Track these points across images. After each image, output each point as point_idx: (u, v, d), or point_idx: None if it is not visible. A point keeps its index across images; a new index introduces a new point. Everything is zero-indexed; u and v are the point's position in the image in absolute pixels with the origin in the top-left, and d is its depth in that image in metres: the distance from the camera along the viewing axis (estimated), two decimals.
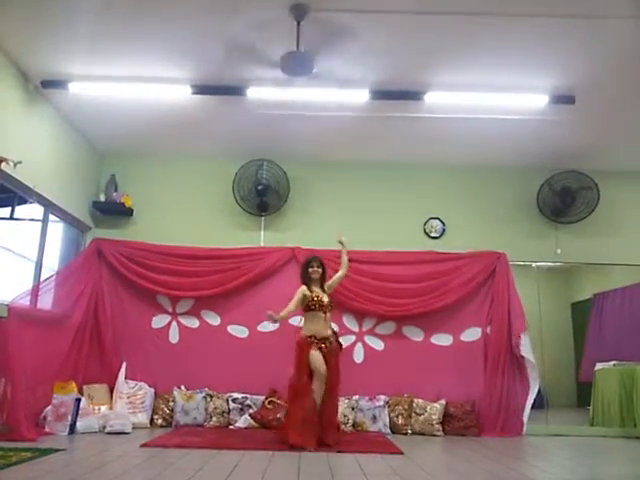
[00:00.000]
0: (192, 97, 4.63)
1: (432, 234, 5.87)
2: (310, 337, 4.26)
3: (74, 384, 4.62)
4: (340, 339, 4.55)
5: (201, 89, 4.53)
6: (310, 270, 4.48)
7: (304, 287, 4.43)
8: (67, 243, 5.65)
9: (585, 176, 5.71)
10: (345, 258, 4.76)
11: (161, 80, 4.45)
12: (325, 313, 4.35)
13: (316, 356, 4.18)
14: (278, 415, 4.88)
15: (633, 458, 4.26)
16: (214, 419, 5.05)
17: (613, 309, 6.52)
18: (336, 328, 4.67)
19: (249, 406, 5.11)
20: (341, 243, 4.75)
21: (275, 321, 4.25)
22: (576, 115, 4.76)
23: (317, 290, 4.44)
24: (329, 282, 4.62)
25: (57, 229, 5.48)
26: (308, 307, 4.36)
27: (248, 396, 5.16)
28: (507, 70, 4.24)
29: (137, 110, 4.97)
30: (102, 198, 5.77)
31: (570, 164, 5.74)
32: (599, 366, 5.86)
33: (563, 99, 4.47)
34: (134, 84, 4.48)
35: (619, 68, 4.15)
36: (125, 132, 5.48)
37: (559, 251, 5.79)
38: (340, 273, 4.71)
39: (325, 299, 4.41)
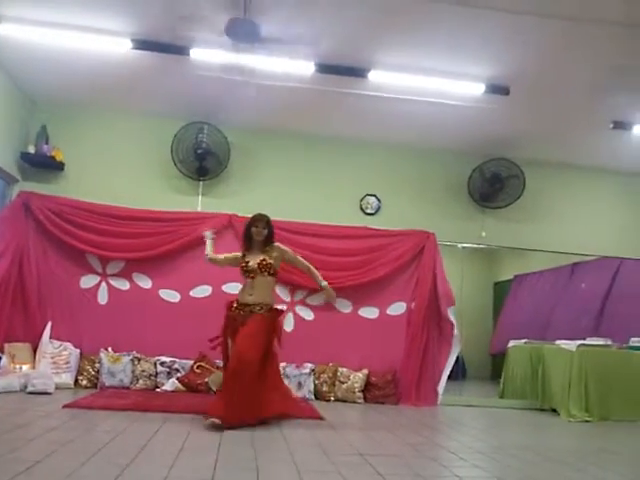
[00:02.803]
0: (133, 52, 4.45)
1: (368, 210, 6.02)
2: (235, 301, 3.94)
3: None
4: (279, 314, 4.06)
5: (142, 44, 4.37)
6: (253, 230, 3.94)
7: (239, 253, 4.07)
8: None
9: (514, 164, 6.00)
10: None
11: (100, 31, 4.24)
12: (252, 278, 3.88)
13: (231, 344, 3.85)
14: (206, 379, 4.95)
15: (533, 428, 4.68)
16: (141, 382, 5.05)
17: (529, 291, 6.99)
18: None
19: (177, 370, 5.14)
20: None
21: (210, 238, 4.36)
22: (510, 106, 4.98)
23: (254, 255, 3.95)
24: (291, 256, 4.09)
25: None
26: (241, 272, 4.03)
27: (176, 360, 5.18)
28: (449, 57, 4.36)
29: (74, 59, 4.70)
30: (31, 150, 5.49)
31: (501, 152, 6.01)
32: (512, 343, 6.29)
33: (498, 89, 4.67)
34: (71, 32, 4.25)
35: (551, 64, 4.36)
36: (60, 81, 5.19)
37: (484, 234, 6.10)
38: (309, 269, 4.16)
39: (251, 263, 3.90)
